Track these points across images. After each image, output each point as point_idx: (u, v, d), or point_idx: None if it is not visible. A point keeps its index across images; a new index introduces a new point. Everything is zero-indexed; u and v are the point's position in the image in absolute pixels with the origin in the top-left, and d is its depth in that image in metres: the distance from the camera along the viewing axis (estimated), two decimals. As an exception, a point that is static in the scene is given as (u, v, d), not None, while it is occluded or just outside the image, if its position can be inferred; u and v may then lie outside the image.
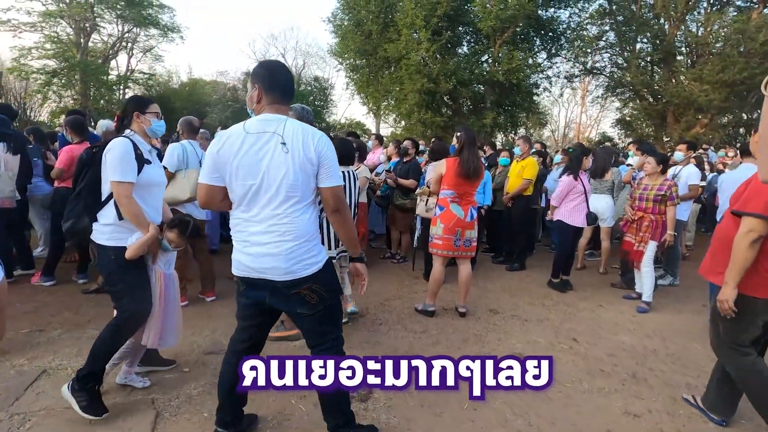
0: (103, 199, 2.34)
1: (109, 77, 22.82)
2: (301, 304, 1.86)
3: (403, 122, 19.49)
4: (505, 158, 6.10)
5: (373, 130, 28.53)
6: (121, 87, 23.60)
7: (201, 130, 5.02)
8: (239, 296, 1.99)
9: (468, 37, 18.03)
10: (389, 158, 6.51)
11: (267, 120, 1.78)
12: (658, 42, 16.06)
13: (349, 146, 3.78)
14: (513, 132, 20.51)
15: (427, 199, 4.23)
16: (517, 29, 16.27)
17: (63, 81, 21.06)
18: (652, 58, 16.69)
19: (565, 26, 17.45)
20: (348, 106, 38.28)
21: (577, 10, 17.24)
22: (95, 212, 2.34)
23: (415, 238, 5.41)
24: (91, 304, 3.99)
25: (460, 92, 16.91)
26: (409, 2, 15.61)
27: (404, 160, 5.78)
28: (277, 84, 1.84)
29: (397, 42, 16.09)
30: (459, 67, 16.25)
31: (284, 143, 1.72)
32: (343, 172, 3.39)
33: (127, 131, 2.46)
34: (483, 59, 18.26)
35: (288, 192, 1.74)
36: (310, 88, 29.57)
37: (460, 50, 18.12)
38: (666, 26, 16.15)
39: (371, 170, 6.08)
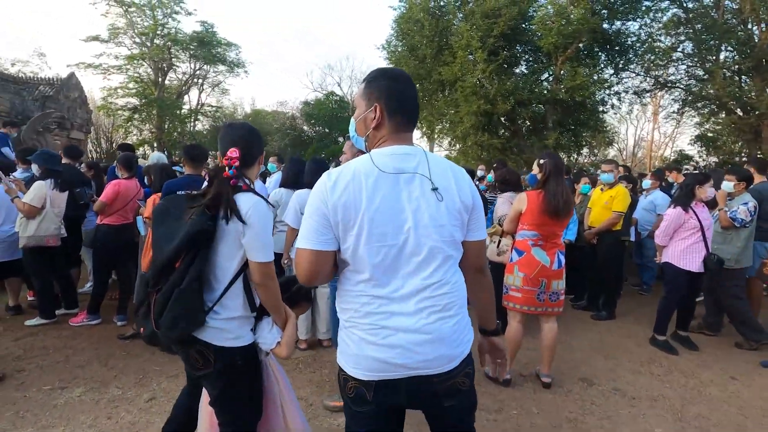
0: (224, 284, 1.64)
1: (182, 111, 24.32)
2: (452, 394, 1.31)
3: (458, 145, 18.74)
4: (586, 185, 5.16)
5: (427, 154, 28.08)
6: (192, 120, 25.05)
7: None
8: (355, 407, 1.32)
9: (526, 56, 17.10)
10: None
11: (404, 155, 1.27)
12: (747, 50, 14.20)
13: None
14: (577, 152, 19.05)
15: (500, 240, 3.47)
16: (581, 45, 15.15)
17: (143, 116, 22.73)
18: (740, 68, 14.77)
19: (634, 39, 16.03)
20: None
21: (648, 21, 15.79)
22: (202, 307, 1.61)
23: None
24: (123, 353, 3.59)
25: (518, 113, 15.94)
26: (465, 24, 15.08)
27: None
28: (407, 102, 1.33)
29: (452, 65, 15.54)
30: (517, 87, 15.35)
31: (436, 188, 1.24)
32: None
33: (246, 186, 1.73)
34: (543, 78, 17.22)
35: (447, 252, 1.27)
36: (364, 114, 29.78)
37: (517, 70, 17.23)
38: (756, 32, 14.27)
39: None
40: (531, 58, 17.07)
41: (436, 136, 21.04)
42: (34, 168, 4.20)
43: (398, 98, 1.30)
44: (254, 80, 50.14)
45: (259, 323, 1.73)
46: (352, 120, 1.39)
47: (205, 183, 1.70)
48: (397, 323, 1.23)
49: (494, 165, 5.85)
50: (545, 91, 16.20)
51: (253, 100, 30.76)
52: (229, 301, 1.63)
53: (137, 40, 22.02)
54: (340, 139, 28.64)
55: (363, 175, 1.22)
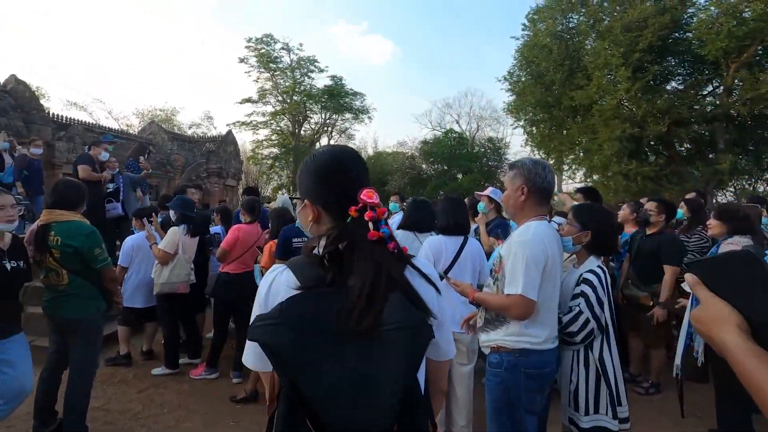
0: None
1: (314, 157, 26.41)
2: None
3: (595, 176, 16.34)
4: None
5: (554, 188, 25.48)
6: (322, 164, 27.02)
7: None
8: None
9: (681, 69, 14.32)
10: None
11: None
12: None
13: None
14: (758, 178, 15.03)
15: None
16: (759, 48, 12.06)
17: (282, 163, 25.18)
18: None
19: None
20: (523, 164, 35.72)
21: None
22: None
23: (678, 357, 3.14)
24: (232, 423, 3.12)
25: (675, 134, 13.22)
26: (601, 43, 13.31)
27: (648, 232, 3.68)
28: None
29: (586, 88, 13.75)
30: (672, 105, 12.78)
31: None
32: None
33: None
34: (706, 91, 14.18)
35: None
36: (483, 149, 28.64)
37: (669, 86, 14.51)
38: None
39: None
40: (688, 71, 14.25)
41: (566, 168, 18.82)
42: (172, 214, 4.23)
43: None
44: (377, 123, 53.15)
45: None
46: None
47: (322, 244, 0.91)
48: None
49: (685, 198, 4.32)
50: (710, 107, 13.24)
51: (375, 142, 32.04)
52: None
53: (279, 98, 24.86)
54: (459, 175, 27.86)
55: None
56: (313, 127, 26.96)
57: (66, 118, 13.22)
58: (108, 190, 5.52)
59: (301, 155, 24.72)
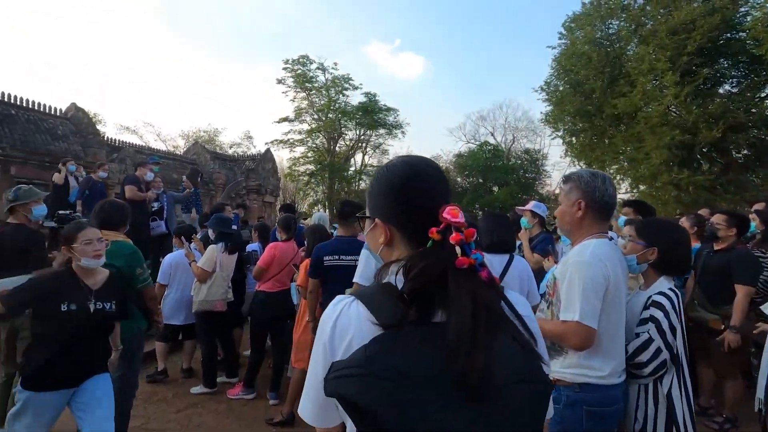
0: None
1: (348, 173, 26.67)
2: None
3: (641, 186, 15.46)
4: None
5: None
6: (357, 180, 27.21)
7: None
8: None
9: (735, 71, 13.40)
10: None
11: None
12: None
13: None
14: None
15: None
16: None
17: (317, 179, 25.60)
18: None
19: None
20: (562, 176, 34.62)
21: None
22: None
23: (761, 389, 2.74)
24: (267, 449, 3.03)
25: (731, 140, 12.31)
26: (645, 47, 12.70)
27: (716, 248, 3.31)
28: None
29: (629, 95, 13.11)
30: (727, 109, 11.93)
31: None
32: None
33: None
34: (764, 93, 13.18)
35: None
36: (520, 161, 27.96)
37: (722, 89, 13.60)
38: None
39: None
40: (743, 73, 13.33)
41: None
42: (210, 232, 4.28)
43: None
44: (411, 138, 53.25)
45: None
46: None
47: (394, 270, 0.75)
48: None
49: (756, 209, 3.89)
50: (771, 110, 12.28)
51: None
52: None
53: (315, 116, 25.44)
54: (495, 188, 27.27)
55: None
56: (347, 143, 27.32)
57: (119, 141, 14.08)
58: (153, 209, 5.72)
59: (337, 171, 25.07)
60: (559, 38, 16.26)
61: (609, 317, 1.66)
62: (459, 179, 27.58)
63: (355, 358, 0.65)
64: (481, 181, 27.03)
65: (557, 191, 31.51)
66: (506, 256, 2.61)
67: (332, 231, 4.45)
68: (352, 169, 27.74)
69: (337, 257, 3.02)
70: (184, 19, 56.67)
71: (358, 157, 28.47)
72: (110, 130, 27.29)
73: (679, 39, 11.83)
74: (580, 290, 1.62)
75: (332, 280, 2.97)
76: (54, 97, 38.75)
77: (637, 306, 1.87)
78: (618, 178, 16.86)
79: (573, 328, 1.62)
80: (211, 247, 3.97)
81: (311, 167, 25.81)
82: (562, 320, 1.67)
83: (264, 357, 4.04)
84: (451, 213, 0.73)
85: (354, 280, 2.66)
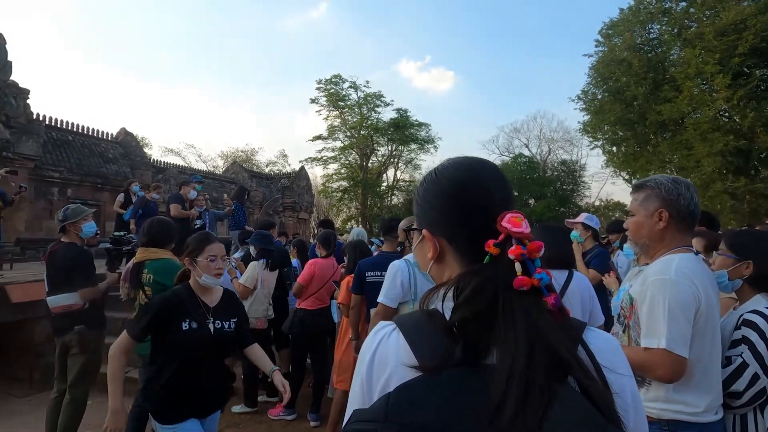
0: None
1: (381, 188, 26.75)
2: None
3: (692, 196, 14.52)
4: None
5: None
6: (389, 195, 27.24)
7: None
8: None
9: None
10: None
11: None
12: None
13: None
14: None
15: None
16: None
17: (350, 195, 25.83)
18: None
19: None
20: (602, 187, 33.22)
21: None
22: None
23: None
24: (310, 474, 2.91)
25: (794, 145, 11.38)
26: (691, 50, 12.08)
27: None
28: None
29: (675, 100, 12.46)
30: (787, 111, 11.08)
31: None
32: None
33: None
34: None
35: None
36: (556, 173, 27.14)
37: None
38: None
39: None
40: (803, 72, 12.38)
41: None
42: (252, 249, 4.28)
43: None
44: (443, 152, 53.11)
45: None
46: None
47: (442, 294, 0.63)
48: None
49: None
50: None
51: (441, 171, 32.03)
52: None
53: (348, 133, 25.85)
54: (531, 201, 26.53)
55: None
56: (380, 159, 27.51)
57: (163, 162, 14.78)
58: (195, 226, 5.85)
59: (370, 187, 25.21)
60: (596, 46, 15.80)
61: (701, 344, 1.45)
62: (493, 192, 27.08)
63: (374, 408, 0.53)
64: (516, 194, 26.42)
65: (596, 202, 30.30)
66: (565, 272, 2.40)
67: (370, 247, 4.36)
68: (385, 184, 27.84)
69: (379, 273, 2.90)
70: (220, 47, 59.69)
71: (390, 172, 28.58)
72: (156, 152, 28.75)
73: (728, 40, 11.17)
74: (665, 313, 1.42)
75: (375, 297, 2.86)
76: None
77: (728, 327, 1.64)
78: (665, 187, 15.97)
79: (659, 358, 1.41)
80: (252, 263, 3.96)
81: (344, 183, 26.11)
82: (645, 347, 1.47)
83: (305, 376, 3.95)
84: (512, 221, 0.60)
85: (378, 299, 2.54)
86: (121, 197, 6.74)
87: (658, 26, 14.16)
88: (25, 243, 8.67)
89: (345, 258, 4.01)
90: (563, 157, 28.00)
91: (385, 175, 28.33)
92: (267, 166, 28.85)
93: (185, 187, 5.89)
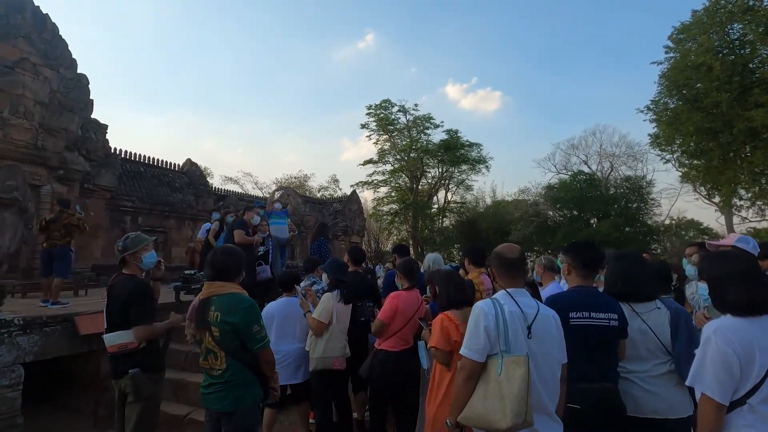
0: None
1: (432, 210, 26.07)
2: None
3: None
4: None
5: (719, 229, 20.69)
6: (441, 217, 26.47)
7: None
8: None
9: None
10: None
11: None
12: None
13: None
14: None
15: None
16: None
17: (401, 218, 25.36)
18: None
19: None
20: (673, 204, 30.28)
21: None
22: None
23: None
24: None
25: None
26: (785, 47, 10.63)
27: None
28: None
29: (769, 104, 10.95)
30: None
31: None
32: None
33: None
34: None
35: None
36: (620, 190, 25.12)
37: None
38: None
39: None
40: None
41: (745, 204, 15.00)
42: (324, 278, 3.81)
43: None
44: (495, 173, 51.67)
45: None
46: None
47: None
48: None
49: None
50: None
51: (494, 190, 30.46)
52: None
53: (398, 156, 25.64)
54: (593, 221, 24.63)
55: None
56: (430, 181, 26.97)
57: (223, 190, 15.16)
58: (259, 253, 5.55)
59: (420, 209, 24.64)
60: (666, 52, 14.51)
61: None
62: (551, 213, 25.46)
63: None
64: (576, 213, 24.64)
65: (667, 221, 27.55)
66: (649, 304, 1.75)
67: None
68: (435, 206, 27.14)
69: (587, 314, 2.12)
70: (273, 82, 62.88)
71: (441, 194, 27.87)
72: (216, 181, 30.09)
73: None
74: None
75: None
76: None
77: None
78: (760, 203, 14.02)
79: None
80: (326, 295, 3.48)
81: (395, 206, 25.74)
82: None
83: (385, 428, 3.34)
84: None
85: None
86: (215, 225, 6.63)
87: (741, 26, 12.73)
88: (100, 269, 8.94)
89: (428, 290, 3.44)
90: (627, 173, 25.93)
91: (435, 197, 27.67)
92: (319, 191, 29.23)
93: (249, 212, 5.64)
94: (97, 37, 57.92)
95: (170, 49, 61.16)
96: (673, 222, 26.63)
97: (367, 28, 63.11)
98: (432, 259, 4.44)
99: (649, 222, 24.64)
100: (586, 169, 26.46)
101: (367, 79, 59.95)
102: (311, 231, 17.31)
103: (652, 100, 15.17)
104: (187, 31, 63.48)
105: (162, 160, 12.55)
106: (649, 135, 16.06)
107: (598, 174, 26.21)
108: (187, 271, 4.41)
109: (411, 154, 25.00)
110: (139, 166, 11.83)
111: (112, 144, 9.87)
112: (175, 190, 12.34)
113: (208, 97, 60.96)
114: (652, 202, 25.02)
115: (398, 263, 3.48)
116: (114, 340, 2.67)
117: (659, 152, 16.99)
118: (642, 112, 15.33)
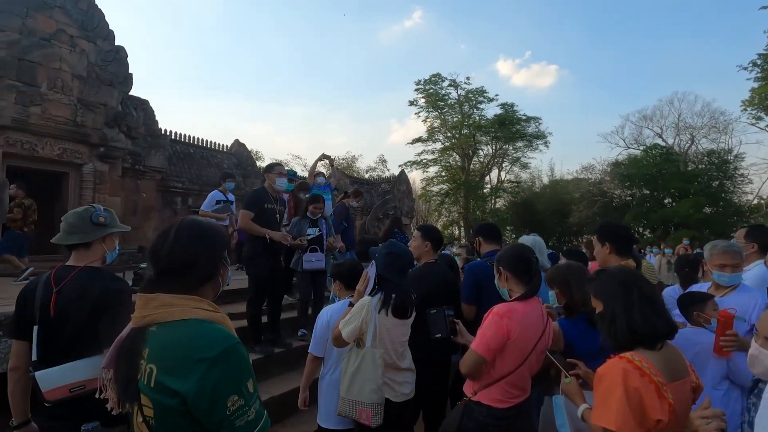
0: None
1: (484, 190, 24.21)
2: None
3: None
4: None
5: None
6: (493, 197, 24.54)
7: None
8: None
9: None
10: None
11: None
12: None
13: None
14: None
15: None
16: None
17: (452, 199, 23.77)
18: None
19: None
20: (765, 180, 25.76)
21: None
22: None
23: None
24: None
25: None
26: None
27: None
28: None
29: None
30: None
31: None
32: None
33: None
34: None
35: None
36: (702, 166, 21.77)
37: None
38: None
39: None
40: None
41: None
42: (371, 270, 2.58)
43: None
44: (553, 150, 47.85)
45: None
46: None
47: None
48: None
49: None
50: None
51: (552, 169, 27.45)
52: None
53: (448, 134, 23.88)
54: (667, 200, 21.60)
55: None
56: (482, 159, 25.00)
57: (272, 171, 14.50)
58: (308, 236, 4.38)
59: (472, 189, 22.91)
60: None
61: None
62: (617, 191, 22.69)
63: None
64: (648, 192, 21.72)
65: (755, 201, 23.64)
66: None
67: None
68: (488, 186, 25.20)
69: None
70: (321, 65, 62.18)
71: (494, 173, 25.83)
72: (266, 163, 29.95)
73: None
74: None
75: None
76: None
77: None
78: None
79: None
80: (361, 301, 2.24)
81: (445, 187, 24.16)
82: None
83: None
84: None
85: None
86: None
87: None
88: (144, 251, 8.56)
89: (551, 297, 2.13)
90: (710, 147, 22.34)
91: (488, 177, 25.70)
92: (367, 172, 28.19)
93: (269, 174, 4.27)
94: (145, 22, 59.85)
95: (229, 34, 62.10)
96: (763, 202, 22.83)
97: (415, 5, 60.11)
98: (530, 242, 3.05)
99: (736, 201, 21.23)
100: (661, 143, 23.16)
101: (415, 59, 57.51)
102: (358, 213, 16.34)
103: (760, 54, 12.34)
104: (244, 15, 63.96)
105: (211, 141, 12.04)
106: (751, 90, 13.20)
107: (676, 148, 22.87)
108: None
109: (463, 131, 23.14)
110: (188, 147, 11.37)
111: (162, 125, 9.44)
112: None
113: (260, 81, 61.60)
114: (741, 179, 21.47)
115: (502, 253, 2.11)
116: (61, 379, 1.62)
117: (760, 114, 14.03)
118: (746, 69, 12.57)
